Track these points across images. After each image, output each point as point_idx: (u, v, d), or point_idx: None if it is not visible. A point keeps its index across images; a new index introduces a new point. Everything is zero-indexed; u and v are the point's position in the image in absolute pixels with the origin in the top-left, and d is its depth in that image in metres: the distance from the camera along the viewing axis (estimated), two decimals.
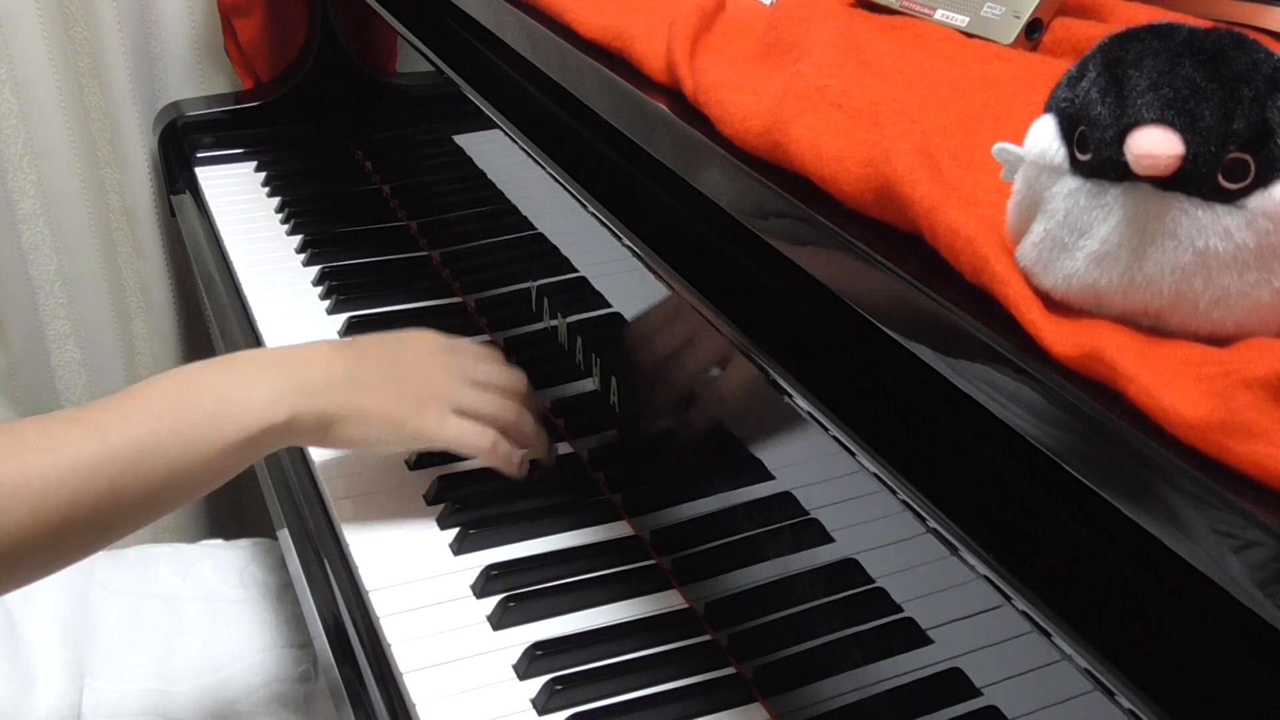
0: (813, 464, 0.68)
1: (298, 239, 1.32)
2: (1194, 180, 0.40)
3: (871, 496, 0.61)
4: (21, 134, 1.51)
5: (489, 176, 1.11)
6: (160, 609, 1.04)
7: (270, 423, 0.79)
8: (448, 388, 0.86)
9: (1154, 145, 0.40)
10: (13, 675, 0.95)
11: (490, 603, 0.82)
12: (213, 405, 0.77)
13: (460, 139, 1.18)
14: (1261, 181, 0.40)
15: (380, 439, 0.85)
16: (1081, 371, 0.42)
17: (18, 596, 1.01)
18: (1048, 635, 0.49)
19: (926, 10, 0.74)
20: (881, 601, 0.64)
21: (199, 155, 1.51)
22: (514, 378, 0.92)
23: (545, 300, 1.00)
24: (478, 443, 0.87)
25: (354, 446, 0.85)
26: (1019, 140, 0.46)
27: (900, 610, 0.63)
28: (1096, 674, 0.46)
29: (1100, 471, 0.42)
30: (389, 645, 0.79)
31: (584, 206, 0.85)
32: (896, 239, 0.52)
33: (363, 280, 1.23)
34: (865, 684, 0.67)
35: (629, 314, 0.87)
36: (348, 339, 0.88)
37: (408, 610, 0.82)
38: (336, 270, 1.25)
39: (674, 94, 0.69)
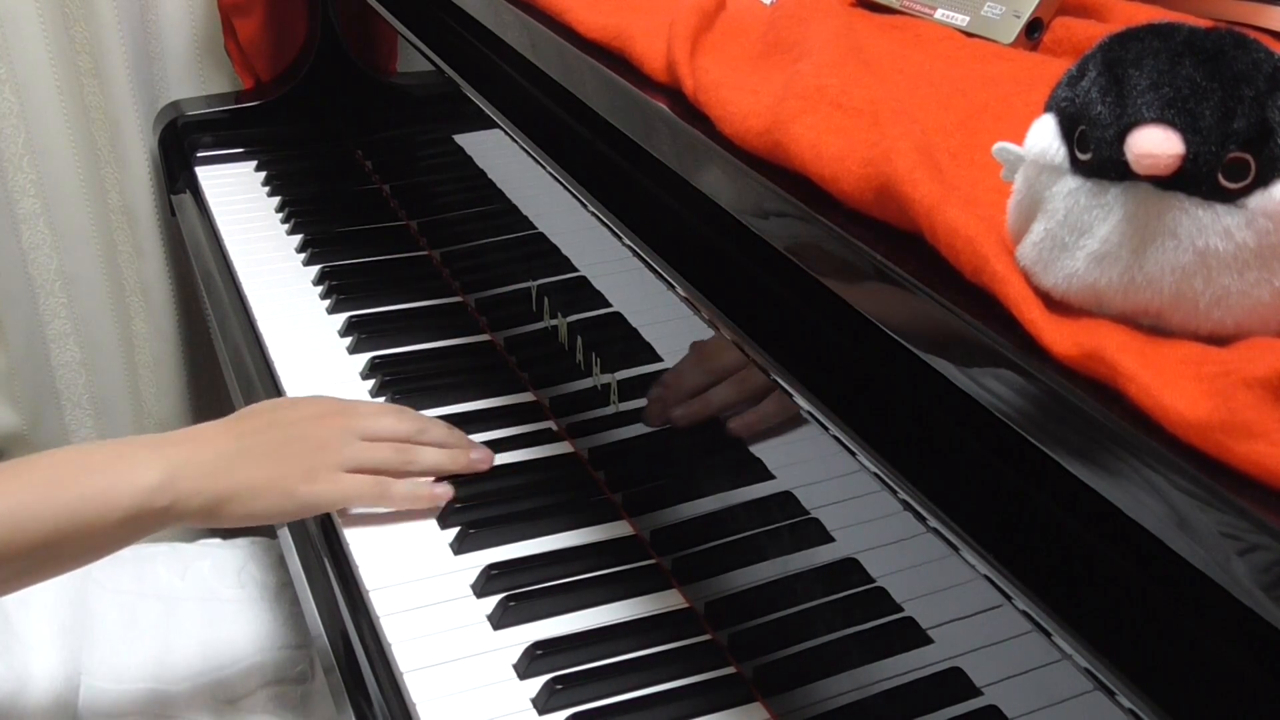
0: (813, 464, 0.68)
1: (298, 239, 1.32)
2: (1194, 180, 0.40)
3: (871, 496, 0.61)
4: (21, 134, 1.50)
5: (489, 176, 1.11)
6: (158, 608, 1.04)
7: (152, 506, 0.79)
8: (336, 448, 0.87)
9: (1154, 145, 0.40)
10: (9, 674, 0.95)
11: (490, 602, 0.82)
12: (95, 484, 0.78)
13: (460, 139, 1.18)
14: (1262, 181, 0.40)
15: (274, 511, 0.85)
16: (1082, 371, 0.42)
17: (14, 596, 1.00)
18: (1048, 635, 0.49)
19: (927, 10, 0.74)
20: (881, 601, 0.64)
21: (199, 155, 1.51)
22: (402, 426, 0.91)
23: (545, 300, 1.00)
24: (369, 494, 0.88)
25: (250, 522, 0.85)
26: (1019, 140, 0.46)
27: (900, 610, 0.63)
28: (1096, 674, 0.46)
29: (1100, 471, 0.42)
30: (389, 645, 0.79)
31: (584, 206, 0.85)
32: (896, 239, 0.52)
33: (363, 280, 1.23)
34: (865, 684, 0.67)
35: (629, 314, 0.87)
36: (236, 414, 0.89)
37: (408, 610, 0.82)
38: (336, 270, 1.25)
39: (674, 94, 0.69)
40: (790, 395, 0.64)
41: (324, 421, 0.88)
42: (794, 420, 0.68)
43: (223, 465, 0.82)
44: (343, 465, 0.87)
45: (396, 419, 0.91)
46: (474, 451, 0.93)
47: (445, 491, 0.90)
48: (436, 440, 0.92)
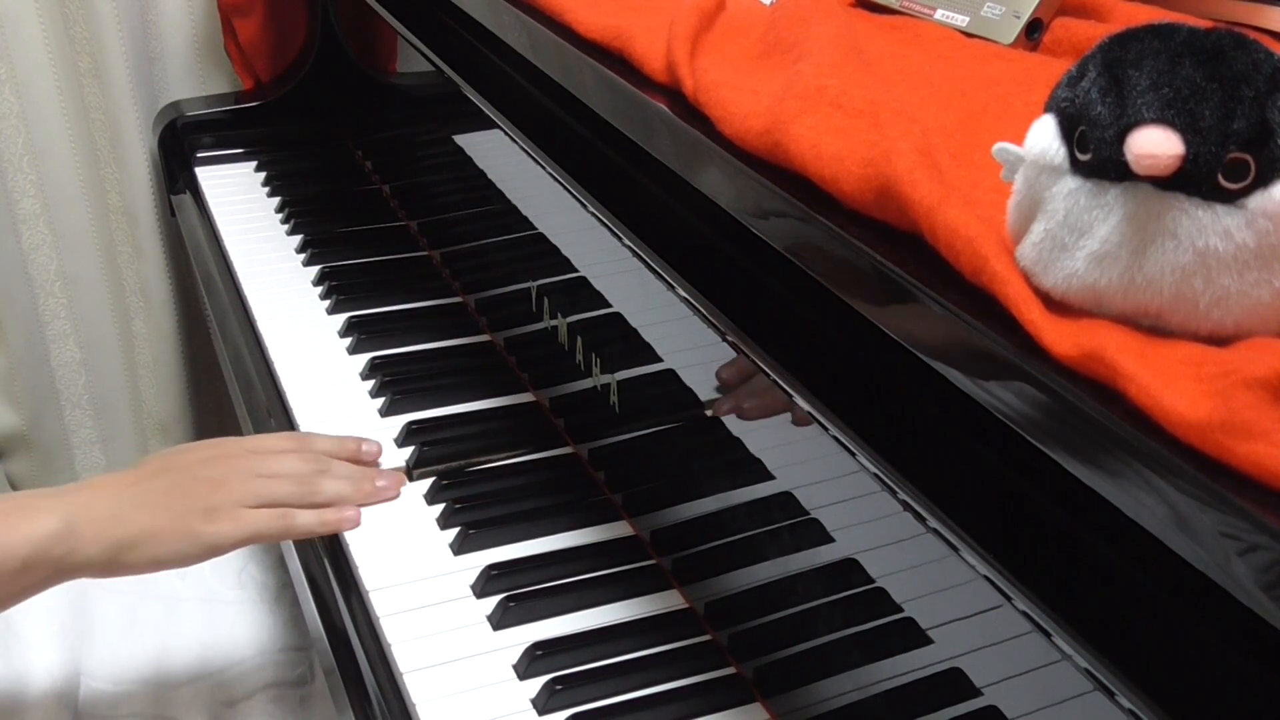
0: (813, 464, 0.68)
1: (298, 239, 1.32)
2: (1194, 180, 0.40)
3: (871, 496, 0.61)
4: (21, 134, 1.50)
5: (489, 176, 1.11)
6: (158, 609, 1.04)
7: (48, 555, 0.78)
8: (236, 485, 0.86)
9: (1154, 145, 0.40)
10: (9, 674, 0.95)
11: (490, 603, 0.82)
12: None
13: (460, 139, 1.18)
14: (1262, 181, 0.40)
15: (177, 554, 0.83)
16: (1081, 371, 0.42)
17: None
18: (1048, 635, 0.49)
19: (926, 10, 0.74)
20: (881, 601, 0.64)
21: (199, 155, 1.51)
22: (303, 466, 0.90)
23: (545, 300, 1.00)
24: (273, 526, 0.86)
25: (154, 569, 0.84)
26: (1019, 140, 0.46)
27: (900, 610, 0.63)
28: (1096, 674, 0.46)
29: (1100, 471, 0.42)
30: (389, 645, 0.79)
31: (584, 206, 0.85)
32: (896, 239, 0.52)
33: (363, 280, 1.23)
34: (865, 684, 0.67)
35: (629, 314, 0.87)
36: (136, 464, 0.88)
37: (408, 610, 0.82)
38: (336, 270, 1.25)
39: (674, 94, 0.69)
40: (790, 395, 0.65)
41: (222, 462, 0.87)
42: (793, 420, 0.68)
43: (121, 512, 0.81)
44: (243, 501, 0.85)
45: (298, 457, 0.90)
46: (380, 479, 0.92)
47: (354, 515, 0.89)
48: (339, 475, 0.91)
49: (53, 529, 0.78)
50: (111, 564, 0.81)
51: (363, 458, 0.95)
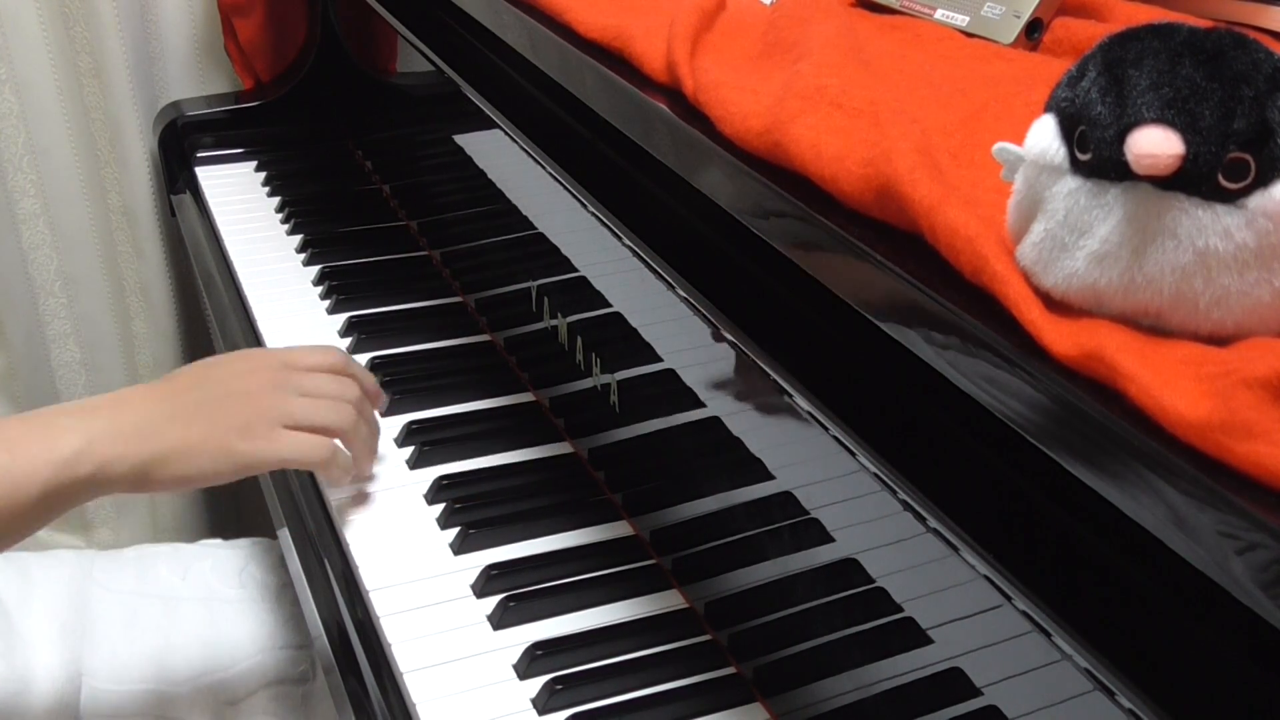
0: (813, 464, 0.68)
1: (298, 239, 1.32)
2: (1194, 180, 0.40)
3: (871, 496, 0.61)
4: (21, 134, 1.50)
5: (489, 176, 1.11)
6: (159, 609, 1.04)
7: (73, 475, 0.75)
8: (274, 403, 0.83)
9: (1154, 145, 0.40)
10: (11, 675, 0.95)
11: (490, 602, 0.82)
12: (5, 459, 0.73)
13: (460, 139, 1.18)
14: (1262, 181, 0.40)
15: (208, 471, 0.80)
16: (1082, 371, 0.42)
17: (15, 596, 1.01)
18: (1048, 635, 0.49)
19: (926, 10, 0.74)
20: (881, 601, 0.64)
21: (199, 155, 1.51)
22: (346, 385, 0.88)
23: (545, 300, 1.00)
24: (312, 454, 0.83)
25: (183, 486, 0.80)
26: (1019, 140, 0.46)
27: (900, 610, 0.63)
28: (1096, 674, 0.46)
29: (1100, 471, 0.42)
30: (389, 645, 0.79)
31: (584, 206, 0.85)
32: (896, 239, 0.52)
33: (363, 280, 1.23)
34: (865, 684, 0.67)
35: (629, 314, 0.87)
36: (165, 376, 0.84)
37: (408, 610, 0.82)
38: (336, 270, 1.25)
39: (674, 94, 0.69)
40: (790, 396, 0.65)
41: (259, 375, 0.84)
42: (793, 420, 0.68)
43: (150, 427, 0.78)
44: (281, 420, 0.82)
45: (337, 382, 0.87)
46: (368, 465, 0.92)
47: (369, 471, 0.90)
48: (368, 414, 0.90)
49: (75, 448, 0.75)
50: (140, 480, 0.78)
51: (378, 403, 0.94)
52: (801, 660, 0.73)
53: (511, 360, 1.09)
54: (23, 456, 0.74)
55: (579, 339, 0.95)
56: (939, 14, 0.74)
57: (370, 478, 0.92)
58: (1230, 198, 0.40)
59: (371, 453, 0.91)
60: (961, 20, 0.73)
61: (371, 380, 0.93)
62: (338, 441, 0.86)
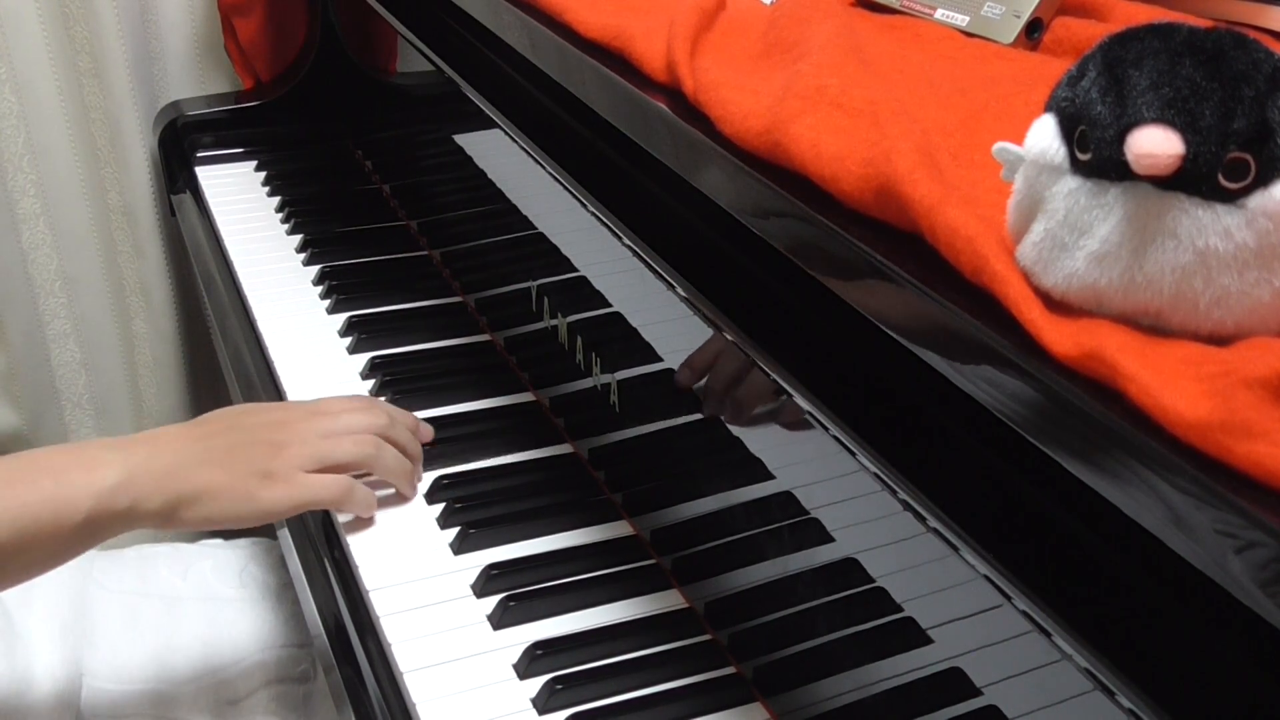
0: (813, 464, 0.68)
1: (298, 239, 1.32)
2: (1194, 180, 0.40)
3: (871, 496, 0.61)
4: (21, 134, 1.50)
5: (489, 176, 1.11)
6: (159, 608, 1.04)
7: (110, 508, 0.78)
8: (298, 451, 0.85)
9: (1154, 145, 0.40)
10: (11, 675, 0.95)
11: (490, 602, 0.82)
12: (51, 487, 0.76)
13: (460, 139, 1.18)
14: (1262, 181, 0.40)
15: (231, 515, 0.83)
16: (1082, 371, 0.42)
17: (16, 596, 1.01)
18: (1048, 635, 0.49)
19: (927, 10, 0.74)
20: (881, 601, 0.64)
21: (199, 155, 1.51)
22: (369, 415, 0.90)
23: (545, 300, 1.00)
24: (325, 494, 0.86)
25: (207, 526, 0.83)
26: (1019, 140, 0.46)
27: (900, 610, 0.63)
28: (1096, 674, 0.46)
29: (1100, 471, 0.42)
30: (389, 645, 0.79)
31: (584, 206, 0.85)
32: (896, 239, 0.52)
33: (363, 280, 1.23)
34: (865, 684, 0.67)
35: (629, 314, 0.87)
36: (198, 418, 0.88)
37: (408, 610, 0.82)
38: (336, 270, 1.25)
39: (674, 94, 0.69)
40: (790, 396, 0.65)
41: (286, 427, 0.87)
42: (793, 420, 0.68)
43: (181, 467, 0.81)
44: (303, 466, 0.85)
45: (364, 414, 0.90)
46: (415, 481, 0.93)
47: (410, 495, 0.91)
48: (401, 440, 0.91)
49: (114, 481, 0.78)
50: (169, 518, 0.81)
51: (420, 433, 0.95)
52: (801, 660, 0.73)
53: (511, 360, 1.09)
54: (68, 485, 0.77)
55: (579, 339, 0.95)
56: (939, 14, 0.74)
57: (408, 499, 0.92)
58: (1230, 198, 0.40)
59: (403, 477, 0.91)
60: (961, 20, 0.73)
61: (411, 417, 0.95)
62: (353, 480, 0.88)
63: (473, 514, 0.90)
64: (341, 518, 0.90)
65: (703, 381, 0.79)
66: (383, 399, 1.03)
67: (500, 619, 0.81)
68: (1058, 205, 0.44)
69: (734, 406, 0.76)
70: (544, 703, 0.75)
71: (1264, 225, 0.40)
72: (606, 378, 0.91)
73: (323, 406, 0.91)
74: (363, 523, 0.89)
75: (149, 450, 0.81)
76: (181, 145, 1.51)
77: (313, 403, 0.92)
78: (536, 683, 0.76)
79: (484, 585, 0.84)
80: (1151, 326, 0.43)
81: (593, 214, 0.84)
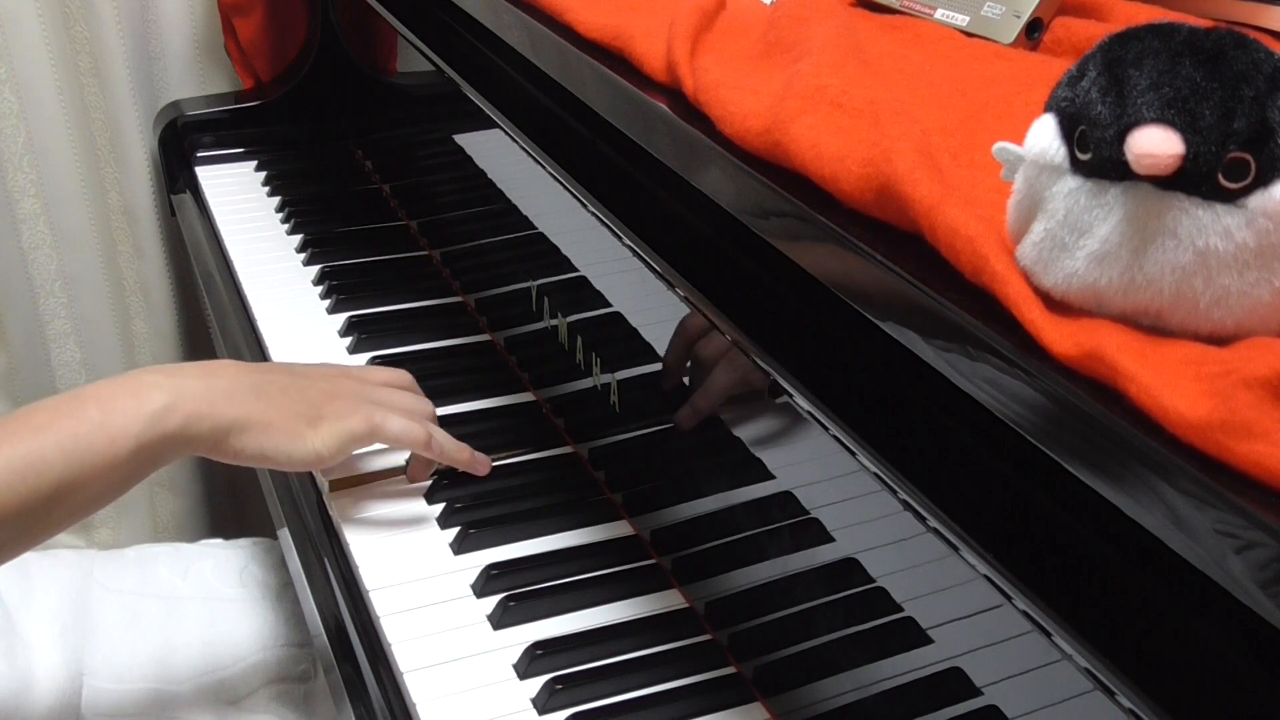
0: (813, 464, 0.68)
1: (298, 239, 1.32)
2: (1194, 180, 0.40)
3: (871, 496, 0.61)
4: (21, 134, 1.50)
5: (489, 176, 1.11)
6: (159, 608, 1.04)
7: (162, 430, 0.77)
8: (348, 404, 0.85)
9: (1154, 145, 0.40)
10: (12, 674, 0.95)
11: (490, 602, 0.82)
12: (99, 415, 0.75)
13: (460, 139, 1.18)
14: (1262, 181, 0.40)
15: (282, 453, 0.82)
16: (1082, 371, 0.42)
17: (16, 596, 1.01)
18: (1048, 635, 0.49)
19: (927, 10, 0.74)
20: (881, 601, 0.64)
21: (199, 155, 1.51)
22: (421, 402, 0.91)
23: (545, 300, 1.00)
24: (366, 428, 0.85)
25: (256, 460, 0.82)
26: (1019, 140, 0.46)
27: (900, 610, 0.63)
28: (1096, 674, 0.46)
29: (1100, 471, 0.42)
30: (389, 645, 0.79)
31: (584, 206, 0.85)
32: (896, 239, 0.52)
33: (363, 280, 1.23)
34: (865, 684, 0.67)
35: (629, 314, 0.87)
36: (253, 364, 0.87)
37: (408, 610, 0.82)
38: (336, 270, 1.25)
39: (674, 94, 0.69)
40: (790, 396, 0.65)
41: (339, 381, 0.88)
42: (793, 420, 0.68)
43: (235, 395, 0.80)
44: (351, 425, 0.85)
45: (412, 397, 0.91)
46: (478, 454, 0.93)
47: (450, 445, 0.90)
48: (441, 438, 0.91)
49: (163, 403, 0.77)
50: (218, 443, 0.80)
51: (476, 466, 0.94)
52: (801, 660, 0.73)
53: (511, 360, 1.09)
54: (116, 411, 0.76)
55: (579, 339, 0.95)
56: (939, 14, 0.74)
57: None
58: (1230, 198, 0.40)
59: (460, 457, 0.91)
60: (961, 20, 0.73)
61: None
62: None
63: (473, 514, 0.90)
64: (346, 515, 0.90)
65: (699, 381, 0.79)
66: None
67: (500, 619, 0.81)
68: (1058, 205, 0.44)
69: (733, 407, 0.76)
70: (544, 703, 0.75)
71: (1264, 225, 0.40)
72: (606, 378, 0.91)
73: (374, 375, 0.91)
74: (364, 523, 0.89)
75: (200, 374, 0.81)
76: (181, 145, 1.51)
77: (365, 370, 0.93)
78: (536, 683, 0.76)
79: (484, 585, 0.84)
80: (1151, 326, 0.43)
81: (593, 214, 0.84)
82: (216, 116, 1.53)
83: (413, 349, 1.11)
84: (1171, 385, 0.39)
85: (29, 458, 0.72)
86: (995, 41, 0.71)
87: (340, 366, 0.93)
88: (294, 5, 1.51)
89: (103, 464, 0.75)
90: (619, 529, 0.89)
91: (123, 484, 0.77)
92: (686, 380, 0.81)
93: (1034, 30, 0.71)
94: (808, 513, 0.70)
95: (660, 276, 0.77)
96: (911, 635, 0.62)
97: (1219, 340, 0.42)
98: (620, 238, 0.80)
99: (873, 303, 0.53)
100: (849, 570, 0.66)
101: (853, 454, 0.60)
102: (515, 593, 0.82)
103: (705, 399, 0.78)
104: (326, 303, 1.19)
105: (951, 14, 0.73)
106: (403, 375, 0.94)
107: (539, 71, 0.85)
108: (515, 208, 1.05)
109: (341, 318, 1.16)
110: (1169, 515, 0.39)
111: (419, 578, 0.85)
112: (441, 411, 1.01)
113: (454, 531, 0.88)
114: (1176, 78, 0.41)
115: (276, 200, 1.41)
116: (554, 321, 0.99)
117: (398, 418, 0.87)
